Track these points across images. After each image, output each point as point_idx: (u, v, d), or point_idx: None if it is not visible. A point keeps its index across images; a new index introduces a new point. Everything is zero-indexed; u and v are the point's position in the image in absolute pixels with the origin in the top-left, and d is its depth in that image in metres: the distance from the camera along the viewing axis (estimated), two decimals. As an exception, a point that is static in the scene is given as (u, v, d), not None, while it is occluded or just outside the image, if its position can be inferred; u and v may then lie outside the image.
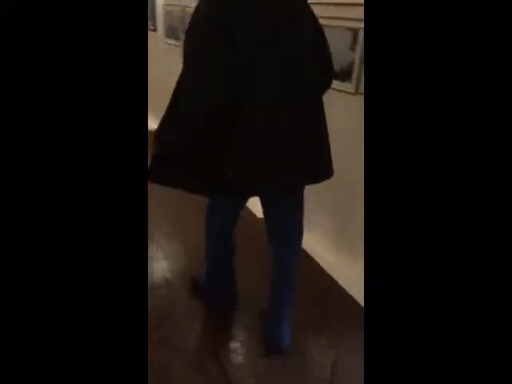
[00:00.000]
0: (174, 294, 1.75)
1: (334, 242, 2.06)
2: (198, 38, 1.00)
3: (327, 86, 1.22)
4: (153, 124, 1.26)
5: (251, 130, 1.04)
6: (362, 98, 1.66)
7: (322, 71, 1.16)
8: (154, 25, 3.55)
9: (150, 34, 3.55)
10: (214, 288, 1.64)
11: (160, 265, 1.94)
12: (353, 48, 1.67)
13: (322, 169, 1.19)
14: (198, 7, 1.02)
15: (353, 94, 1.72)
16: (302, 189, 1.30)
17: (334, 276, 1.91)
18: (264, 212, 1.34)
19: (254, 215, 2.15)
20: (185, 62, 1.03)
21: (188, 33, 1.04)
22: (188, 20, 1.06)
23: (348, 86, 1.73)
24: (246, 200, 1.41)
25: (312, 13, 1.11)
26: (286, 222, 1.35)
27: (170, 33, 3.33)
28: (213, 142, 1.04)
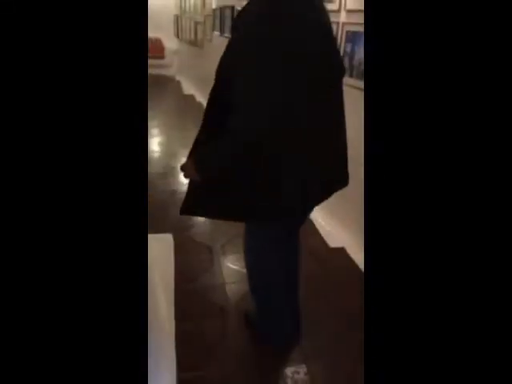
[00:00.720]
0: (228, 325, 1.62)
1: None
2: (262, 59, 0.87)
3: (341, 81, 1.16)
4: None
5: (304, 151, 1.02)
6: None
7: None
8: None
9: None
10: (274, 328, 1.46)
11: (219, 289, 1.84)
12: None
13: (345, 177, 1.22)
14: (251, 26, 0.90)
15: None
16: None
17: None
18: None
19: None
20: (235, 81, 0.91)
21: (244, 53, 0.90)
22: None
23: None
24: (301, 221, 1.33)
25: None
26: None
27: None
28: (267, 167, 1.00)
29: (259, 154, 0.98)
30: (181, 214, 1.15)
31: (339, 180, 1.20)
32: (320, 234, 2.29)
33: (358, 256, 2.06)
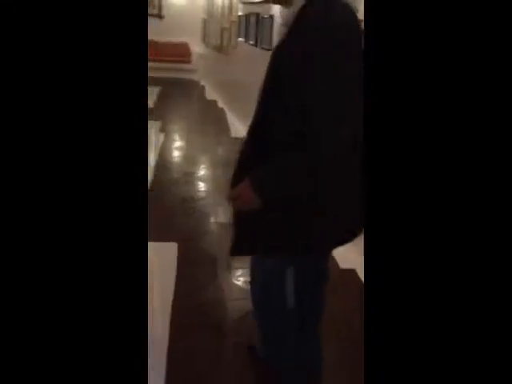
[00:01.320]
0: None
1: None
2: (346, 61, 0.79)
3: None
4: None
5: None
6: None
7: None
8: (270, 44, 3.49)
9: (265, 53, 3.56)
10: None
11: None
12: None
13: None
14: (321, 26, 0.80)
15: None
16: None
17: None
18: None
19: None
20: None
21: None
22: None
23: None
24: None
25: None
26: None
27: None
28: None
29: (339, 170, 0.84)
30: (231, 255, 0.97)
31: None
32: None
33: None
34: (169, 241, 2.11)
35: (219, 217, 2.49)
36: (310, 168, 0.82)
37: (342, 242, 0.98)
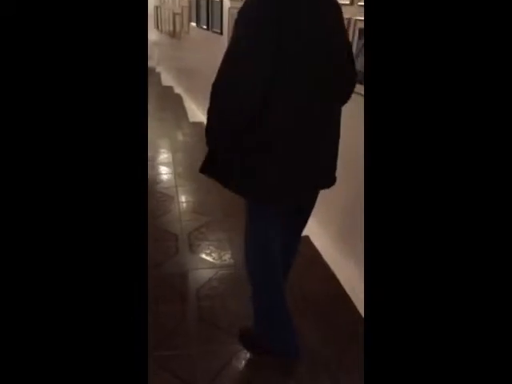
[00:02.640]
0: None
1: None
2: (259, 34, 0.98)
3: (350, 96, 1.24)
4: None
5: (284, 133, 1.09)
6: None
7: (349, 83, 1.21)
8: (221, 28, 3.56)
9: (217, 36, 3.59)
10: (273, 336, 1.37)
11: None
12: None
13: (333, 176, 1.27)
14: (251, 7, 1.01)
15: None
16: None
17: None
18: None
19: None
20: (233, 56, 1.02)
21: (243, 29, 1.01)
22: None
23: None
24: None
25: (346, 30, 1.21)
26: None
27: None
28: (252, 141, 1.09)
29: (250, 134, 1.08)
30: (199, 171, 1.22)
31: (327, 179, 1.26)
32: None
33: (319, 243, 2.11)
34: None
35: (179, 197, 2.59)
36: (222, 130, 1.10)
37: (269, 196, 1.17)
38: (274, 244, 1.27)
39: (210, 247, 2.07)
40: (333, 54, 1.08)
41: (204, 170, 1.20)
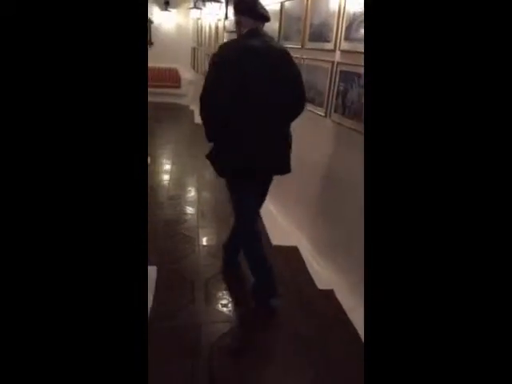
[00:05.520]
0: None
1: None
2: (223, 69, 1.63)
3: (300, 112, 1.82)
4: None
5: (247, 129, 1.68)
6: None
7: (297, 101, 1.78)
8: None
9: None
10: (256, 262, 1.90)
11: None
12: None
13: (287, 165, 1.84)
14: (219, 55, 1.68)
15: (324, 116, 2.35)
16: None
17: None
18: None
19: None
20: (210, 77, 1.67)
21: (214, 65, 1.67)
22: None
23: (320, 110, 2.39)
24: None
25: (293, 62, 1.75)
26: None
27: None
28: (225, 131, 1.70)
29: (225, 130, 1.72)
30: (206, 157, 1.86)
31: (281, 167, 1.83)
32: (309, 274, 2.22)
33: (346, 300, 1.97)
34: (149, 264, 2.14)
35: (200, 240, 2.52)
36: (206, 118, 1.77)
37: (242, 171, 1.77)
38: (249, 207, 1.87)
39: (226, 297, 1.97)
40: (273, 83, 1.65)
41: (207, 156, 1.83)
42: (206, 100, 1.66)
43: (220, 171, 1.81)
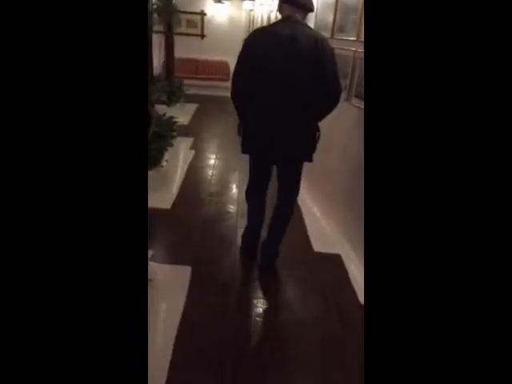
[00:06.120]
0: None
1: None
2: (244, 50, 1.81)
3: (330, 110, 1.85)
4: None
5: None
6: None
7: (328, 98, 1.80)
8: None
9: None
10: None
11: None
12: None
13: (306, 155, 1.93)
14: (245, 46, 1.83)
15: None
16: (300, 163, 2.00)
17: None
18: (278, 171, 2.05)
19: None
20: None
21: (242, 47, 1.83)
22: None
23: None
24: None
25: (327, 51, 1.73)
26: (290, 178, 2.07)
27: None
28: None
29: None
30: (237, 133, 1.99)
31: (301, 155, 1.93)
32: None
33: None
34: (183, 264, 2.08)
35: (238, 241, 2.43)
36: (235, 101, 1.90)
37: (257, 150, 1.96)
38: (258, 178, 2.10)
39: (261, 304, 1.87)
40: (299, 68, 1.71)
41: (238, 131, 1.97)
42: (232, 78, 1.84)
43: (241, 147, 1.95)
